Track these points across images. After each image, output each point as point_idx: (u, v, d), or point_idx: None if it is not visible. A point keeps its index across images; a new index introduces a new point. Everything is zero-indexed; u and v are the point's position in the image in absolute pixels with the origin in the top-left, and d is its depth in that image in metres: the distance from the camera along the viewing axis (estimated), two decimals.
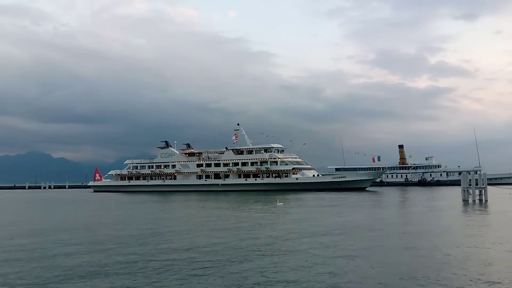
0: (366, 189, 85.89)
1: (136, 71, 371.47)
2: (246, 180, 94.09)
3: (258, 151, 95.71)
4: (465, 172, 47.65)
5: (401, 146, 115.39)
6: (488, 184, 45.28)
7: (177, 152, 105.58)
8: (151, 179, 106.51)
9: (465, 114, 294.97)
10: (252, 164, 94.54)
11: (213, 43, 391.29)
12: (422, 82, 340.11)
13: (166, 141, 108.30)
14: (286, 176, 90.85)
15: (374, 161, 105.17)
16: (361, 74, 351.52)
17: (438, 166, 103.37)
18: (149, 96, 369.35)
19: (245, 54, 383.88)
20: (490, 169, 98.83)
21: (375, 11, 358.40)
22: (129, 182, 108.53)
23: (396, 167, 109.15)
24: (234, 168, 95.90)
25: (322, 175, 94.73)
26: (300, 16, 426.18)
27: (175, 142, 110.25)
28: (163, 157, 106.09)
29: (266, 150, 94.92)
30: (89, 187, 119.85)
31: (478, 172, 51.87)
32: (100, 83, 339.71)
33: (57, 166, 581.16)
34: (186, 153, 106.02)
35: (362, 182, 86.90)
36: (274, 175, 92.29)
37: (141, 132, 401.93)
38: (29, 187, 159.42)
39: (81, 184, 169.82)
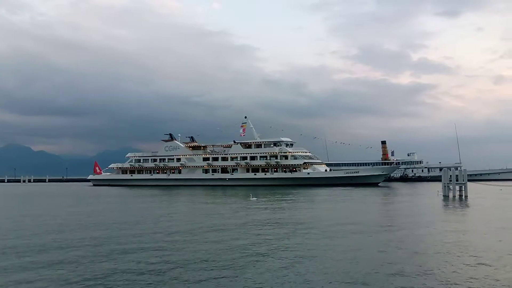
0: (379, 184, 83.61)
1: (118, 63, 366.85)
2: (255, 174, 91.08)
3: (267, 144, 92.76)
4: (445, 168, 48.38)
5: (383, 142, 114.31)
6: (468, 180, 45.58)
7: (182, 145, 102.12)
8: (155, 173, 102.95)
9: (447, 111, 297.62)
10: (261, 158, 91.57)
11: (196, 35, 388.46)
12: (405, 79, 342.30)
13: (170, 134, 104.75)
14: (297, 171, 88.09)
15: (387, 156, 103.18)
16: (344, 69, 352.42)
17: (420, 162, 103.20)
18: (131, 89, 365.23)
19: (228, 47, 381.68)
20: (470, 165, 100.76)
21: (359, 5, 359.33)
22: (131, 176, 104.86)
23: (379, 162, 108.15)
24: (243, 162, 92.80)
25: (333, 170, 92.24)
26: (284, 10, 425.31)
27: (179, 135, 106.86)
28: (167, 150, 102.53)
29: (275, 144, 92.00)
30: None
31: (459, 168, 52.40)
32: (80, 75, 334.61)
33: (37, 159, 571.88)
34: (190, 147, 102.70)
35: (375, 177, 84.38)
36: (284, 170, 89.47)
37: (123, 126, 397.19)
38: (8, 181, 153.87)
39: (61, 178, 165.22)
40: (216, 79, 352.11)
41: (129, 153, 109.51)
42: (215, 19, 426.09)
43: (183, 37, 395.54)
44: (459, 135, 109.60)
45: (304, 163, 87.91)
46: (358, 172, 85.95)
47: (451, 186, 44.49)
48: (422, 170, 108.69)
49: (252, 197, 43.98)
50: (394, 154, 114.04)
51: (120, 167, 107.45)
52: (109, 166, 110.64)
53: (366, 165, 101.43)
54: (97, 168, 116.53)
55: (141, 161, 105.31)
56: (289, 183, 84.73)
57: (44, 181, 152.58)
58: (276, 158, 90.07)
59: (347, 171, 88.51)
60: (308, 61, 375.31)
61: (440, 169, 63.46)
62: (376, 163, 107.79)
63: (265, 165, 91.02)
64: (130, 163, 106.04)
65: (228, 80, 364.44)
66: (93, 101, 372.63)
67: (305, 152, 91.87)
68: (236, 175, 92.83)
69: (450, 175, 44.85)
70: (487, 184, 57.87)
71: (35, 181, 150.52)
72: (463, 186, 44.07)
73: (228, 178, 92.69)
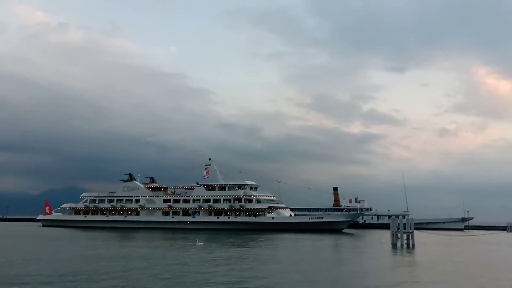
0: (343, 231, 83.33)
1: (68, 100, 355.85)
2: (218, 218, 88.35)
3: (231, 187, 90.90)
4: (394, 217, 49.42)
5: (335, 189, 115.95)
6: (415, 229, 46.57)
7: (142, 186, 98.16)
8: (111, 214, 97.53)
9: (395, 160, 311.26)
10: (225, 201, 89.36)
11: (152, 77, 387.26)
12: (356, 128, 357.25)
13: (130, 174, 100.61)
14: (261, 215, 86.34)
15: (350, 202, 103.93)
16: (299, 116, 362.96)
17: (370, 209, 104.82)
18: (81, 127, 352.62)
19: (184, 89, 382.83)
20: (417, 214, 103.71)
21: (312, 57, 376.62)
22: (85, 217, 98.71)
23: (330, 208, 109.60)
24: (205, 205, 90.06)
25: (296, 214, 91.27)
26: (240, 57, 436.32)
27: (139, 175, 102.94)
28: (125, 191, 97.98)
29: (239, 187, 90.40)
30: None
31: (406, 217, 54.63)
32: (27, 111, 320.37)
33: None
34: (150, 187, 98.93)
35: (339, 223, 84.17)
36: (248, 214, 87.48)
37: (70, 164, 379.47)
38: None
39: (1, 216, 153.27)
40: (170, 120, 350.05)
41: (84, 193, 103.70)
42: (171, 61, 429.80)
43: (137, 78, 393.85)
44: (407, 184, 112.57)
45: (269, 207, 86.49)
46: (322, 217, 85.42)
47: (399, 235, 44.92)
48: (372, 217, 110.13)
49: (199, 242, 43.27)
50: (346, 200, 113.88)
51: (73, 208, 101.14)
52: (61, 206, 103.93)
53: (321, 211, 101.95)
54: (47, 207, 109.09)
55: (97, 201, 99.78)
56: (253, 228, 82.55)
57: None
58: (240, 202, 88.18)
59: (311, 216, 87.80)
60: (264, 107, 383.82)
61: (389, 217, 64.75)
62: (327, 209, 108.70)
63: (229, 208, 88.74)
64: (85, 203, 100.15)
65: (183, 121, 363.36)
66: (39, 138, 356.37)
67: (270, 196, 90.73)
68: (198, 218, 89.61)
69: (398, 223, 45.32)
70: (433, 233, 59.02)
71: None
72: (411, 235, 44.55)
73: (190, 221, 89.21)
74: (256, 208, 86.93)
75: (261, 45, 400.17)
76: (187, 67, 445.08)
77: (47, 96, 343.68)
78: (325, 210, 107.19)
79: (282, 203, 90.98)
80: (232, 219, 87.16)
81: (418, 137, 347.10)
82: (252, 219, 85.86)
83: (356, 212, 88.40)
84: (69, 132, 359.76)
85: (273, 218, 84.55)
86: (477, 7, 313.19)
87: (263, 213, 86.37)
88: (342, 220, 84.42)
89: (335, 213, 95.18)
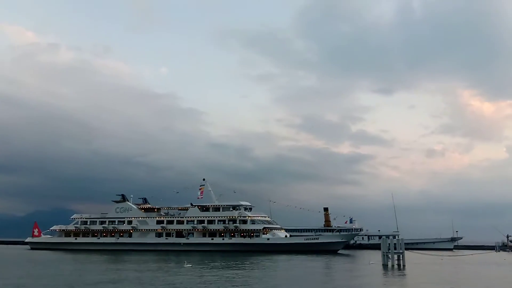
0: (338, 251, 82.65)
1: (58, 121, 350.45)
2: (212, 239, 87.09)
3: (226, 208, 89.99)
4: (384, 237, 49.85)
5: (326, 209, 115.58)
6: (405, 249, 46.63)
7: (135, 207, 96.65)
8: (103, 236, 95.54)
9: (384, 180, 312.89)
10: (220, 222, 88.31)
11: (141, 97, 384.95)
12: (345, 148, 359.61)
13: (122, 195, 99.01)
14: (256, 236, 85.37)
15: (346, 223, 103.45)
16: (289, 137, 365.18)
17: (360, 229, 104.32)
18: (69, 147, 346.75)
19: (174, 110, 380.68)
20: (407, 234, 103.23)
21: (301, 79, 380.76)
22: (75, 239, 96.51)
23: (321, 229, 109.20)
24: (200, 226, 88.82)
25: (291, 236, 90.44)
26: (230, 78, 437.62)
27: (132, 196, 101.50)
28: (118, 212, 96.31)
29: (234, 207, 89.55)
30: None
31: (396, 237, 54.88)
32: (15, 131, 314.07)
33: None
34: (143, 208, 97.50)
35: (334, 244, 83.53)
36: (242, 235, 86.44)
37: (58, 185, 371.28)
38: None
39: None
40: (160, 140, 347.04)
41: (74, 215, 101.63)
42: (162, 82, 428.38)
43: (127, 98, 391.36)
44: (396, 204, 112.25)
45: (264, 228, 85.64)
46: (318, 238, 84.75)
47: (389, 255, 44.86)
48: (362, 238, 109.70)
49: (187, 264, 42.89)
50: (336, 220, 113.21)
51: (63, 229, 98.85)
52: (51, 228, 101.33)
53: (312, 231, 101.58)
54: (35, 230, 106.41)
55: (88, 223, 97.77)
56: (247, 249, 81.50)
57: None
58: (235, 223, 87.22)
59: (307, 237, 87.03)
60: (254, 128, 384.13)
61: (379, 237, 64.46)
62: (318, 229, 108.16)
63: (223, 229, 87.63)
64: (76, 225, 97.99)
65: (173, 142, 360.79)
66: (27, 158, 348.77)
67: (264, 216, 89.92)
68: (192, 240, 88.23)
69: (389, 244, 45.34)
70: (423, 253, 58.83)
71: None
72: (401, 256, 44.48)
73: (183, 243, 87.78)
74: (251, 229, 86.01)
75: (252, 67, 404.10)
76: (178, 88, 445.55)
77: (36, 116, 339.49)
78: (316, 230, 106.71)
79: (277, 224, 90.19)
80: (226, 240, 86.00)
81: (407, 158, 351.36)
82: (247, 240, 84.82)
83: (351, 233, 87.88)
84: (58, 152, 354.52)
85: (268, 239, 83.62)
86: (461, 32, 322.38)
87: (258, 234, 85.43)
88: (337, 241, 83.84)
89: (330, 233, 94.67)
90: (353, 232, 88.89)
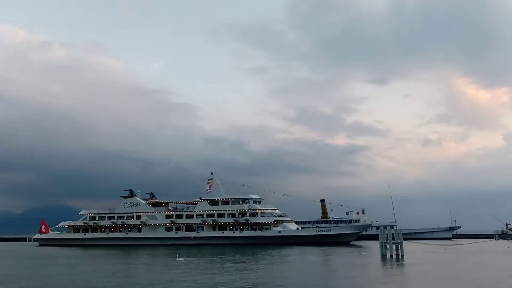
0: (351, 243, 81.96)
1: (51, 118, 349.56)
2: (222, 233, 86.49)
3: (235, 201, 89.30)
4: (382, 228, 49.39)
5: (322, 201, 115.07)
6: (403, 239, 46.02)
7: (143, 202, 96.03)
8: (112, 231, 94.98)
9: (380, 171, 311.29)
10: (229, 215, 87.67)
11: (135, 93, 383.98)
12: (340, 140, 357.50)
13: (130, 190, 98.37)
14: (266, 229, 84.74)
15: (358, 214, 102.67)
16: (284, 129, 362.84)
17: (357, 220, 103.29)
18: (64, 144, 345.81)
19: (168, 105, 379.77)
20: (404, 224, 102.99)
21: (295, 71, 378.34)
22: (84, 234, 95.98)
23: (318, 221, 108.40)
24: (209, 220, 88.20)
25: (302, 228, 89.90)
26: (223, 71, 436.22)
27: (139, 191, 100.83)
28: (126, 207, 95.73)
29: (243, 200, 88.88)
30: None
31: (394, 227, 52.86)
32: (9, 129, 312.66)
33: None
34: (151, 203, 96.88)
35: (347, 236, 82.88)
36: (253, 228, 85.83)
37: (53, 182, 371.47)
38: None
39: None
40: (155, 136, 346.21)
41: (83, 210, 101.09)
42: (154, 77, 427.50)
43: (120, 94, 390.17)
44: (393, 194, 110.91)
45: (275, 220, 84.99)
46: (330, 230, 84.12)
47: (388, 245, 44.57)
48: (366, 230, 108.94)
49: (179, 257, 42.60)
50: (333, 212, 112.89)
51: (72, 225, 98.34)
52: (59, 224, 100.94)
53: (309, 223, 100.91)
54: (43, 226, 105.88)
55: (97, 218, 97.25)
56: (259, 242, 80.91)
57: None
58: (245, 216, 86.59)
59: (319, 229, 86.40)
60: (248, 121, 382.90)
61: (377, 228, 63.92)
62: (315, 221, 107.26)
63: (234, 222, 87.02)
64: (84, 221, 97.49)
65: (168, 137, 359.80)
66: (21, 156, 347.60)
67: (274, 209, 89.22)
68: (202, 234, 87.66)
69: (387, 234, 44.98)
70: (421, 243, 58.15)
71: None
72: (399, 246, 44.14)
73: (193, 237, 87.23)
74: (262, 222, 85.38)
75: (244, 60, 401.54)
76: (171, 83, 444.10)
77: (30, 114, 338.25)
78: (313, 222, 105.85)
79: (287, 216, 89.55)
80: (237, 233, 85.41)
81: (403, 148, 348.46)
82: (258, 233, 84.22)
83: (364, 224, 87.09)
84: (52, 150, 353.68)
85: (279, 231, 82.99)
86: (454, 19, 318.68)
87: (269, 227, 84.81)
88: (350, 232, 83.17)
89: (343, 225, 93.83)
90: (365, 224, 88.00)
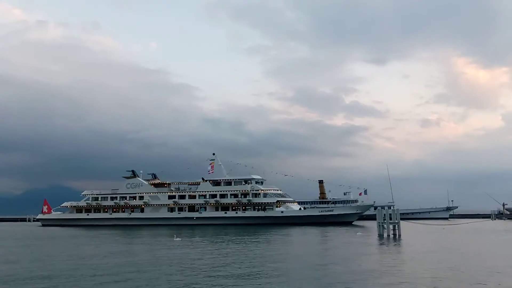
0: (353, 223, 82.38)
1: (49, 99, 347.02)
2: (225, 213, 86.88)
3: (237, 182, 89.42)
4: (379, 208, 49.48)
5: (321, 181, 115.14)
6: (401, 219, 46.39)
7: (146, 183, 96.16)
8: (114, 211, 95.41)
9: (379, 151, 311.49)
10: (232, 196, 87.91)
11: (132, 73, 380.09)
12: (339, 120, 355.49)
13: (133, 171, 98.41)
14: (269, 209, 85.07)
15: (360, 195, 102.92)
16: (282, 110, 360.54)
17: (355, 201, 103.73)
18: (62, 125, 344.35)
19: (165, 85, 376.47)
20: (402, 204, 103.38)
21: (293, 51, 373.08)
22: (87, 215, 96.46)
23: (316, 201, 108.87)
24: (212, 200, 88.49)
25: (305, 208, 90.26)
26: (220, 51, 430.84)
27: (141, 171, 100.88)
28: (128, 188, 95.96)
29: (246, 181, 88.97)
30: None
31: (392, 207, 54.83)
32: (7, 110, 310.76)
33: None
34: (153, 184, 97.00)
35: (349, 216, 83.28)
36: (256, 208, 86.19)
37: (53, 163, 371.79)
38: None
39: None
40: (153, 116, 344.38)
41: (85, 191, 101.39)
42: (152, 57, 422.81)
43: (118, 74, 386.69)
44: (391, 175, 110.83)
45: (277, 201, 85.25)
46: (332, 210, 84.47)
47: (385, 225, 44.67)
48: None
49: (176, 238, 42.76)
50: (331, 193, 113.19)
51: (75, 206, 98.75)
52: (62, 205, 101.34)
53: (307, 203, 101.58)
54: (45, 206, 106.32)
55: (99, 199, 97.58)
56: (262, 222, 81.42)
57: None
58: (247, 196, 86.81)
59: (321, 209, 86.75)
60: (246, 102, 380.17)
61: (375, 208, 64.17)
62: (313, 201, 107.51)
63: (236, 203, 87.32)
64: (87, 201, 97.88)
65: (166, 117, 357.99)
66: (20, 137, 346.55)
67: (277, 190, 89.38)
68: (205, 214, 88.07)
69: (384, 214, 45.12)
70: (418, 223, 58.47)
71: None
72: (397, 225, 44.38)
73: (196, 217, 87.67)
74: (264, 203, 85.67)
75: (242, 39, 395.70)
76: (168, 63, 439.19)
77: (27, 94, 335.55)
78: (312, 202, 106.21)
79: (289, 197, 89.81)
80: (240, 214, 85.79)
81: (401, 128, 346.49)
82: (261, 213, 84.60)
83: (366, 204, 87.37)
84: (51, 130, 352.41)
85: (282, 212, 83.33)
86: None
87: (271, 207, 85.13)
88: (352, 213, 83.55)
89: (345, 205, 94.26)
90: (368, 204, 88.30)
